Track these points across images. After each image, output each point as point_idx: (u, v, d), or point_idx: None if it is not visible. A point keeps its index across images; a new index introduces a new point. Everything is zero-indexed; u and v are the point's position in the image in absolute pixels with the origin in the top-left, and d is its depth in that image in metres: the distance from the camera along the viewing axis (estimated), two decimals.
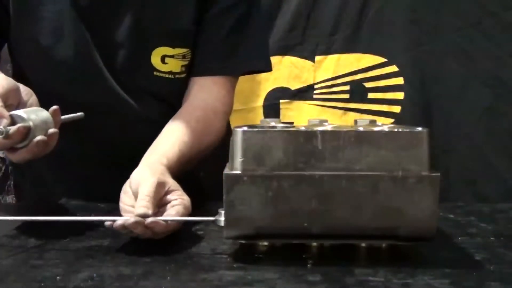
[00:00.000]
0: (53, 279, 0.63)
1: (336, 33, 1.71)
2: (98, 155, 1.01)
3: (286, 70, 1.72)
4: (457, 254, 0.75)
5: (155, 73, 0.99)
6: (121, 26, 0.96)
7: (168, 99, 1.01)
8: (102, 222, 0.75)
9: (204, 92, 0.99)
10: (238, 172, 0.68)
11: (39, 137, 0.75)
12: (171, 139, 0.91)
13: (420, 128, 0.69)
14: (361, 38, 1.71)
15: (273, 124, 0.73)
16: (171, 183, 0.80)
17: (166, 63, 0.99)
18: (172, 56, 0.99)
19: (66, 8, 0.94)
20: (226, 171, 0.69)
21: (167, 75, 0.99)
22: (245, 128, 0.69)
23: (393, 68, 1.71)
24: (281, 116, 1.69)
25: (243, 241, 0.71)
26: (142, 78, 0.99)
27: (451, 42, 1.69)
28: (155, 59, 0.98)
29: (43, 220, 0.77)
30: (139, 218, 0.72)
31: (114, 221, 0.73)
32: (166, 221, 0.74)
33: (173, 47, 0.98)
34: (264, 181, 0.67)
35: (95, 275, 0.64)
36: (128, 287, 0.61)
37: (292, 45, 1.71)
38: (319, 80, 1.74)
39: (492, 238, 0.82)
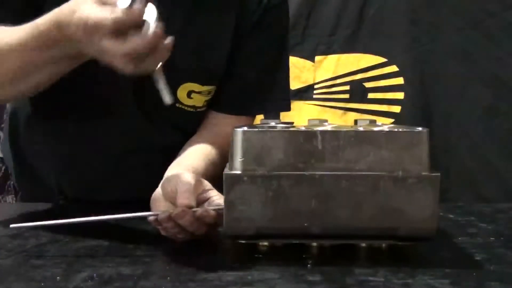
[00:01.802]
0: (53, 279, 0.63)
1: (336, 33, 1.72)
2: (105, 167, 1.01)
3: None
4: (457, 254, 0.75)
5: (177, 104, 0.97)
6: None
7: (183, 128, 1.01)
8: (140, 218, 0.74)
9: (230, 126, 0.99)
10: (238, 172, 0.68)
11: (154, 27, 0.69)
12: (197, 155, 0.91)
13: (420, 128, 0.69)
14: (361, 38, 1.71)
15: (273, 124, 0.73)
16: (207, 182, 0.79)
17: (191, 98, 0.98)
18: (199, 93, 0.98)
19: None
20: (226, 171, 0.69)
21: (189, 109, 0.99)
22: (245, 128, 0.69)
23: (393, 68, 1.71)
24: (281, 116, 1.69)
25: (243, 241, 0.71)
26: (164, 108, 0.98)
27: (451, 42, 1.69)
28: (181, 93, 0.97)
29: (83, 221, 0.74)
30: (186, 208, 0.71)
31: (157, 215, 0.72)
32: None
33: (202, 84, 0.97)
34: (264, 181, 0.67)
35: (95, 275, 0.64)
36: (128, 287, 0.61)
37: (292, 45, 1.70)
38: (319, 80, 1.74)
39: (492, 238, 0.82)
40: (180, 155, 0.92)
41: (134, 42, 0.68)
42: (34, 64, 0.78)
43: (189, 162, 0.88)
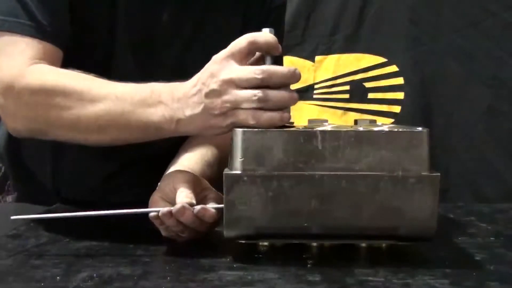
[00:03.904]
0: (53, 279, 0.63)
1: (336, 33, 1.71)
2: (107, 173, 1.00)
3: None
4: (457, 254, 0.75)
5: None
6: (162, 68, 0.94)
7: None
8: (141, 214, 0.74)
9: None
10: (238, 172, 0.68)
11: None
12: (194, 156, 0.91)
13: (420, 128, 0.69)
14: (361, 38, 1.71)
15: None
16: (204, 181, 0.80)
17: None
18: None
19: (115, 47, 0.93)
20: (226, 171, 0.69)
21: None
22: (245, 128, 0.69)
23: (393, 68, 1.71)
24: None
25: (243, 241, 0.71)
26: None
27: (451, 42, 1.69)
28: None
29: (83, 215, 0.75)
30: (186, 204, 0.71)
31: (158, 211, 0.72)
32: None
33: None
34: (264, 181, 0.67)
35: (95, 275, 0.64)
36: (128, 287, 0.61)
37: (292, 45, 1.71)
38: (319, 80, 1.74)
39: (492, 238, 0.82)
40: (176, 157, 0.92)
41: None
42: (126, 119, 0.78)
43: (185, 164, 0.88)
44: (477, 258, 0.72)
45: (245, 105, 0.71)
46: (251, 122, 0.71)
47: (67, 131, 0.82)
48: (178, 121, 0.75)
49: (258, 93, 0.70)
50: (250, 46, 0.72)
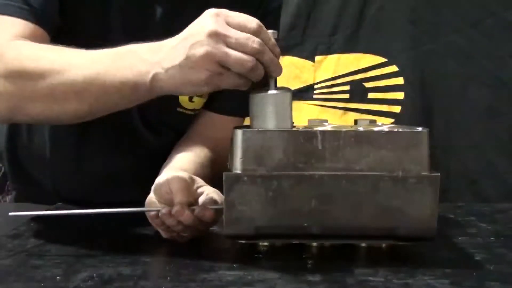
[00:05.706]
0: (53, 279, 0.63)
1: (336, 33, 1.71)
2: (104, 172, 1.01)
3: (286, 70, 1.71)
4: (457, 254, 0.75)
5: (178, 109, 0.98)
6: None
7: (181, 131, 1.01)
8: (140, 214, 0.75)
9: (224, 130, 0.96)
10: (238, 172, 0.68)
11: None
12: (186, 157, 0.91)
13: (420, 128, 0.69)
14: (361, 38, 1.71)
15: None
16: (199, 179, 0.80)
17: (193, 102, 0.98)
18: (200, 96, 0.98)
19: (110, 43, 0.92)
20: (226, 171, 0.69)
21: (189, 112, 0.99)
22: (245, 128, 0.69)
23: (393, 68, 1.71)
24: None
25: (243, 241, 0.71)
26: (165, 113, 0.98)
27: (451, 42, 1.68)
28: (184, 98, 0.97)
29: (82, 213, 0.76)
30: (184, 205, 0.72)
31: (158, 210, 0.73)
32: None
33: None
34: (264, 181, 0.67)
35: (95, 275, 0.64)
36: (128, 287, 0.61)
37: (292, 45, 1.70)
38: (319, 80, 1.74)
39: (492, 238, 0.82)
40: (169, 158, 0.92)
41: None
42: (102, 81, 0.75)
43: (178, 165, 0.88)
44: (477, 258, 0.72)
45: (235, 68, 0.69)
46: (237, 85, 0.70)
47: (44, 102, 0.78)
48: (154, 76, 0.71)
49: (251, 62, 0.68)
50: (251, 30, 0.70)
